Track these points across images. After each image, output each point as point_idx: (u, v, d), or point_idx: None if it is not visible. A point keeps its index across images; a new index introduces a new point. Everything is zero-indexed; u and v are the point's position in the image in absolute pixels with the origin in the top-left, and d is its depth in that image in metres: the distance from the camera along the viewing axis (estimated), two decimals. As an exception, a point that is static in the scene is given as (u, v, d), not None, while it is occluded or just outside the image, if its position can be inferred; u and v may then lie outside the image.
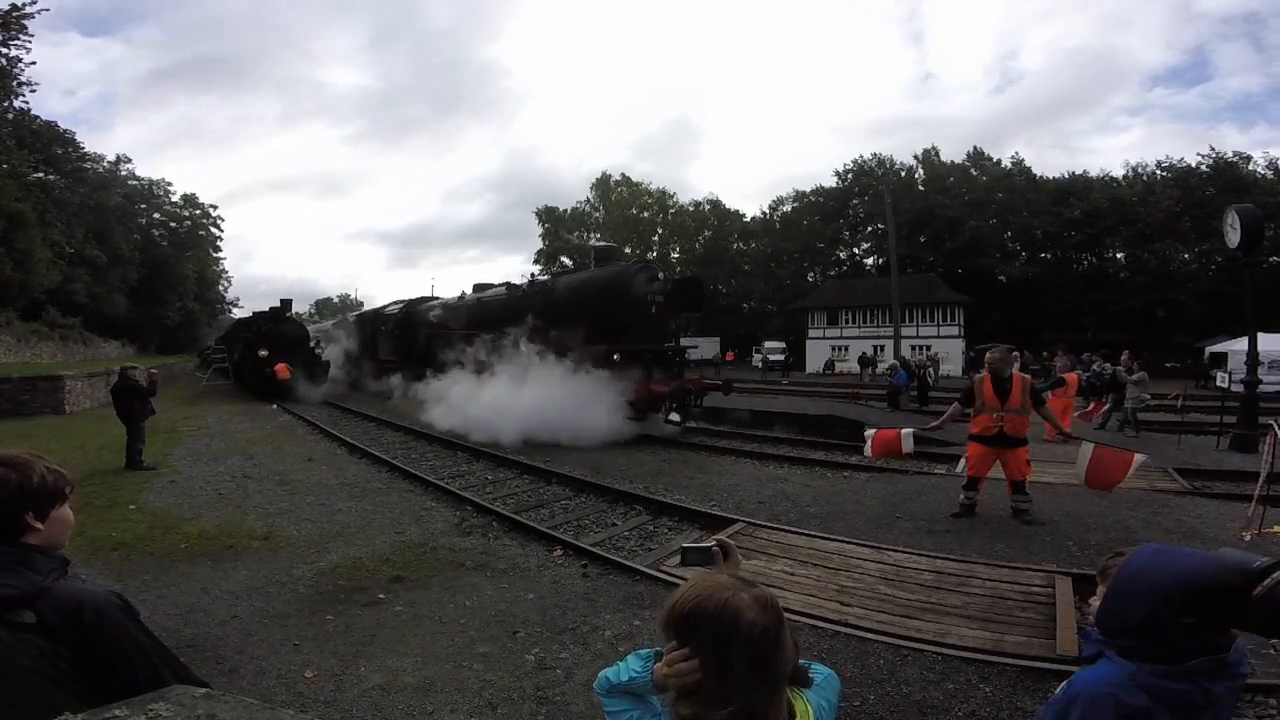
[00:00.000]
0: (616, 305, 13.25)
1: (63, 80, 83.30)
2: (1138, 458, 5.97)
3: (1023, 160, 44.65)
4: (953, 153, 47.33)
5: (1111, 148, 73.99)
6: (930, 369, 22.14)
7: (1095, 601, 1.37)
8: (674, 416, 13.47)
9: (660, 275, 14.27)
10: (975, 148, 46.52)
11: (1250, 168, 35.96)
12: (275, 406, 18.48)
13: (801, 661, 1.25)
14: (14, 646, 1.17)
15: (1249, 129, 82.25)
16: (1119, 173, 41.27)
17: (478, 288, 19.16)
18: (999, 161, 45.44)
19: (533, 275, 17.44)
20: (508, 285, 17.24)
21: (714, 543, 1.47)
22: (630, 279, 13.48)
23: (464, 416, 12.97)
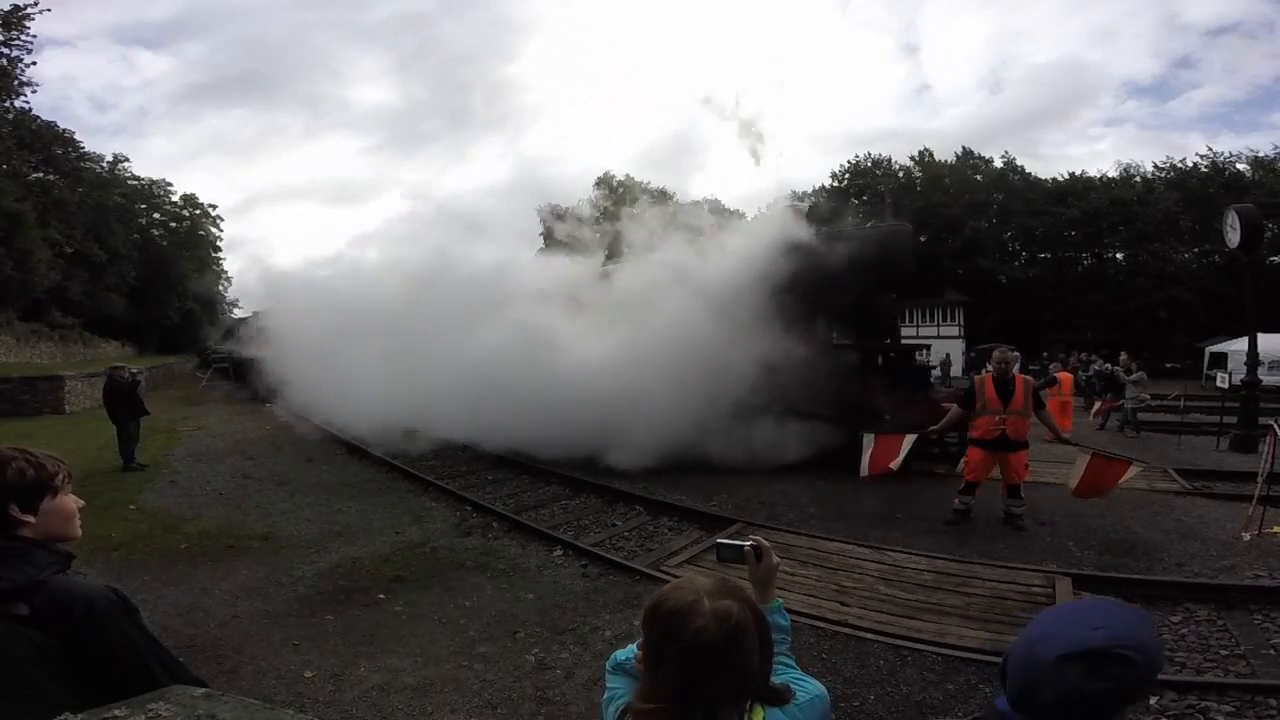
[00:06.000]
0: (877, 283, 9.38)
1: (107, 94, 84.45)
2: (1132, 468, 5.94)
3: (1014, 159, 44.66)
4: (940, 159, 47.31)
5: (1084, 155, 75.24)
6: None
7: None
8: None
9: None
10: (964, 148, 46.49)
11: (1261, 157, 35.78)
12: (268, 405, 18.48)
13: (790, 676, 1.23)
14: (7, 638, 1.19)
15: (1214, 137, 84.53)
16: (1112, 174, 41.26)
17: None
18: (990, 160, 45.41)
19: None
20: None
21: (750, 543, 1.43)
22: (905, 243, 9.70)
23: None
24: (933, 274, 11.44)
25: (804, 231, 9.87)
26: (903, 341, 10.29)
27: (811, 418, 8.69)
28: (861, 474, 6.83)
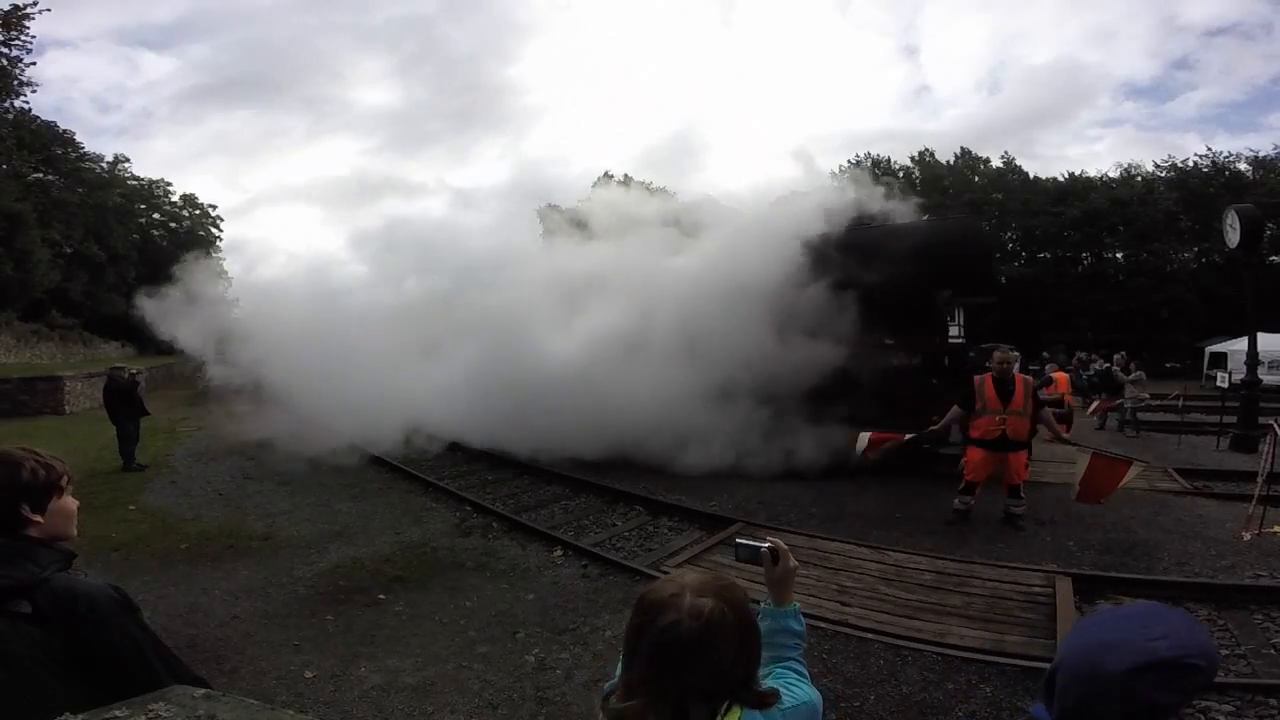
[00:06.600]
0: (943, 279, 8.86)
1: (110, 95, 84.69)
2: (1133, 469, 5.94)
3: (1013, 159, 44.69)
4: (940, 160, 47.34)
5: (1082, 156, 75.40)
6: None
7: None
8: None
9: None
10: (963, 148, 46.52)
11: (1264, 155, 35.79)
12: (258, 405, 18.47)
13: (786, 680, 1.20)
14: (9, 635, 1.20)
15: (1212, 138, 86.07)
16: (1112, 174, 41.27)
17: None
18: (989, 160, 45.45)
19: None
20: None
21: (768, 544, 1.41)
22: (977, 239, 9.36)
23: None
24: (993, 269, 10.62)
25: (857, 214, 9.14)
26: (950, 341, 9.38)
27: (855, 422, 8.04)
28: (858, 448, 7.46)
